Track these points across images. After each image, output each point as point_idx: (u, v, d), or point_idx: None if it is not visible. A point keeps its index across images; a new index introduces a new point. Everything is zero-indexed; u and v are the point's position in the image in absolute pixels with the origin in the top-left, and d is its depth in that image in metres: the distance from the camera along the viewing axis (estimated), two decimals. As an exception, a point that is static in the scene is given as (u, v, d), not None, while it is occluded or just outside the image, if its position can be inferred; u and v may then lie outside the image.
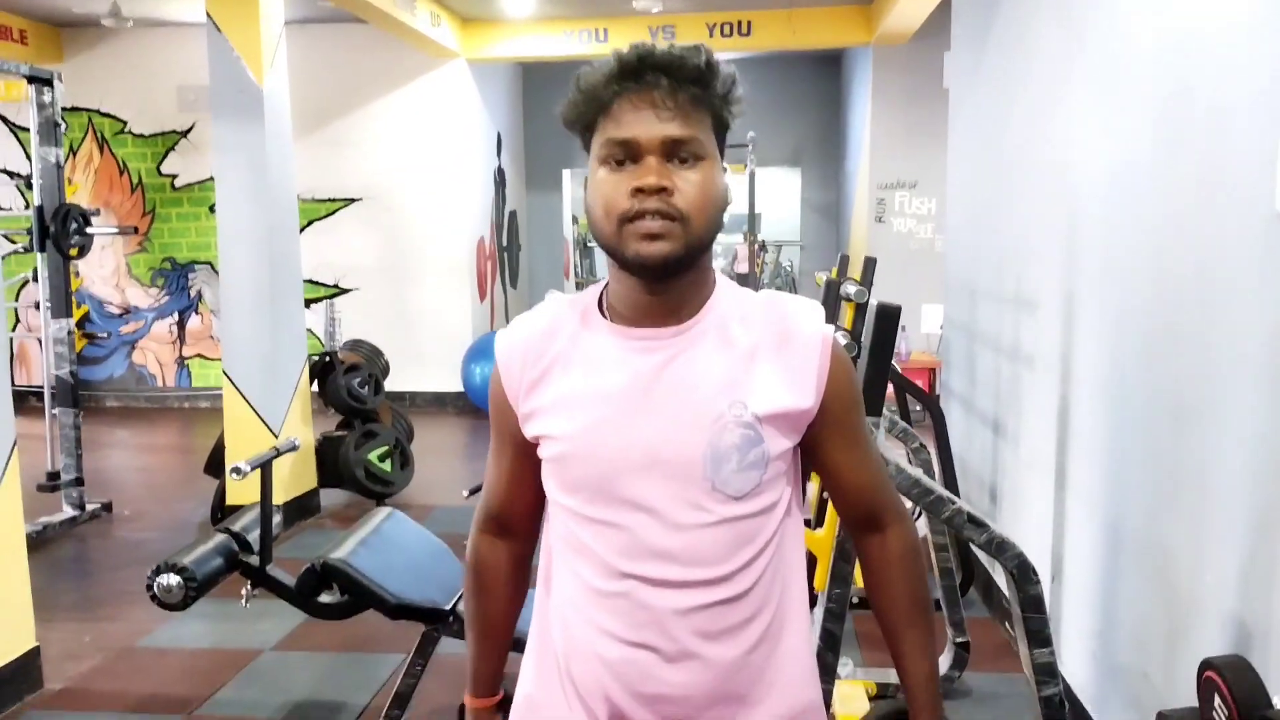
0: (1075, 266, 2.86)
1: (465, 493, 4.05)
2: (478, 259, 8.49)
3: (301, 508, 5.13)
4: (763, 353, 1.15)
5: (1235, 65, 1.87)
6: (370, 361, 5.59)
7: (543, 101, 9.79)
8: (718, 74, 1.11)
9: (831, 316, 3.35)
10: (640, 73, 1.09)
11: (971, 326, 4.24)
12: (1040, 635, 2.11)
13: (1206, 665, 1.41)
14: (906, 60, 7.49)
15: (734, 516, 1.13)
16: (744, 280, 7.18)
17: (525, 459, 1.23)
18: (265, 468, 2.78)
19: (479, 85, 8.43)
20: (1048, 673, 2.12)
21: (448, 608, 2.58)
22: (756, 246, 8.07)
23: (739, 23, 7.61)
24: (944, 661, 3.12)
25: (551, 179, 10.16)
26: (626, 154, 1.09)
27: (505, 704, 1.34)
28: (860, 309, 3.58)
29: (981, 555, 3.80)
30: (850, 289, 3.11)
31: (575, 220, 11.17)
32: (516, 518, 1.30)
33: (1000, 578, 3.48)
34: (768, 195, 9.50)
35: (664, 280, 1.12)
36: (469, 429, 7.70)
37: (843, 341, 1.64)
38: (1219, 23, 1.94)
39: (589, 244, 13.79)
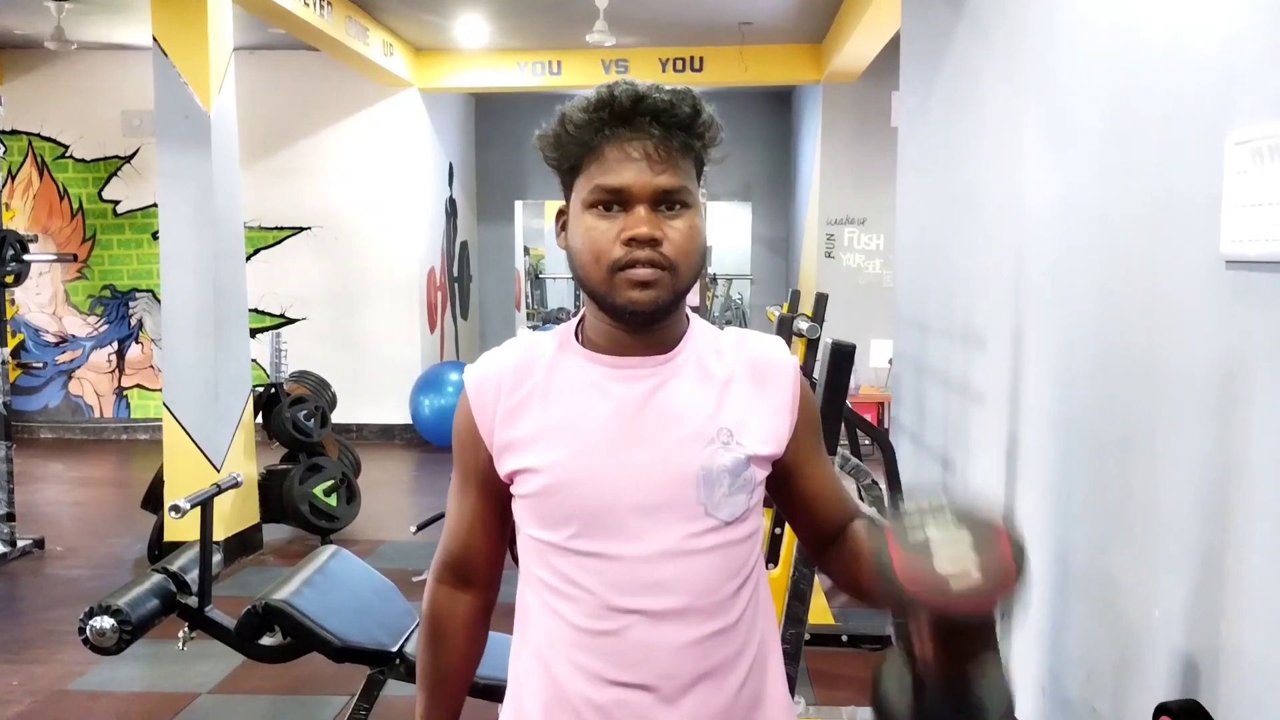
0: (1024, 302, 2.89)
1: (413, 528, 3.99)
2: (428, 289, 8.42)
3: (243, 543, 5.00)
4: (739, 383, 1.17)
5: (1181, 106, 1.91)
6: (317, 393, 5.49)
7: (495, 132, 9.78)
8: (705, 120, 1.12)
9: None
10: (631, 118, 1.09)
11: (921, 361, 4.29)
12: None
13: (1162, 710, 1.42)
14: (855, 98, 7.62)
15: (725, 543, 1.13)
16: (694, 312, 7.21)
17: (490, 500, 1.20)
18: (206, 505, 2.69)
19: (431, 115, 8.40)
20: (1001, 712, 2.12)
21: (394, 649, 2.52)
22: (707, 280, 8.11)
23: (691, 58, 7.68)
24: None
25: (503, 210, 10.13)
26: (616, 200, 1.09)
27: None
28: (812, 345, 3.60)
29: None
30: (803, 325, 3.13)
31: (527, 251, 11.14)
32: (477, 566, 1.25)
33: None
34: (718, 229, 9.57)
35: (649, 325, 1.13)
36: (417, 462, 7.59)
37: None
38: (1166, 62, 1.99)
39: (540, 275, 13.77)
